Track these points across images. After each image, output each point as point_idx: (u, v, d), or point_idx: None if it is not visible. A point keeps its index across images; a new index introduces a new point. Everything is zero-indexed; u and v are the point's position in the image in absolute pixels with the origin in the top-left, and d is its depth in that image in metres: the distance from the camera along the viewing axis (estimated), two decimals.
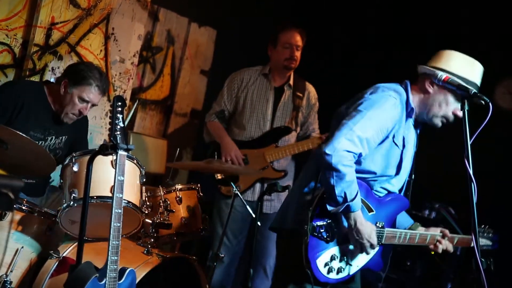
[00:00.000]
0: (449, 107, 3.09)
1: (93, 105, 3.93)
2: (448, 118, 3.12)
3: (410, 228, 3.32)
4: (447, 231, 3.31)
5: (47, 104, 3.94)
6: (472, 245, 2.80)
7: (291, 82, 4.95)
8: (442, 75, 3.02)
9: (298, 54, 4.86)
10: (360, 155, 2.97)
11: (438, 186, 5.22)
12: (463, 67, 3.07)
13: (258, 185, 4.84)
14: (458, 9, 5.42)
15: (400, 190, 3.28)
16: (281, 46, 4.84)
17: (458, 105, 3.06)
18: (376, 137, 3.01)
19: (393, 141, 3.08)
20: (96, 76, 3.84)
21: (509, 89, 5.32)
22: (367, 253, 3.05)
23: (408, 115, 3.13)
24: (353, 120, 2.96)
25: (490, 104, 2.81)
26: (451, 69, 3.07)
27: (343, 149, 2.88)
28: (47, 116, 3.94)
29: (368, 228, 2.98)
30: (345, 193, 2.88)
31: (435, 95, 3.10)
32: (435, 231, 3.32)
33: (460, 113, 3.01)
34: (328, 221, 2.95)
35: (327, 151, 2.87)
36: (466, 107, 2.86)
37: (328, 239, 2.94)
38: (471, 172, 2.79)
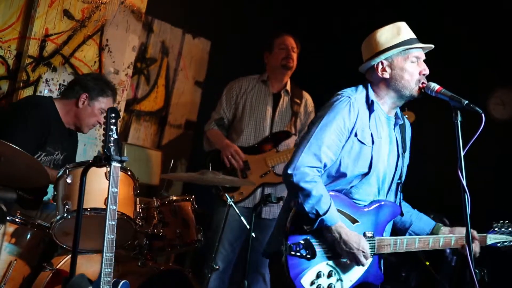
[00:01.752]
0: (411, 72, 3.03)
1: None
2: (420, 79, 3.04)
3: (432, 232, 3.24)
4: (474, 232, 3.17)
5: (59, 119, 4.04)
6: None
7: (288, 88, 5.00)
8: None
9: (294, 55, 4.94)
10: (325, 165, 2.96)
11: (432, 195, 5.22)
12: (393, 36, 3.05)
13: (259, 191, 4.85)
14: (451, 17, 5.44)
15: (387, 193, 3.17)
16: (277, 48, 4.95)
17: (416, 64, 3.03)
18: (338, 140, 2.97)
19: (358, 139, 3.02)
20: (109, 86, 4.09)
21: (501, 99, 5.33)
22: (363, 264, 2.94)
23: (370, 110, 3.06)
24: (310, 133, 2.97)
25: (483, 114, 2.81)
26: (384, 46, 3.05)
27: (304, 165, 2.89)
28: (60, 132, 4.04)
29: (354, 237, 2.91)
30: (316, 210, 2.84)
31: (392, 74, 3.05)
32: (460, 232, 3.21)
33: (426, 70, 3.03)
34: (306, 238, 2.88)
35: (289, 171, 2.89)
36: (459, 118, 2.85)
37: (308, 256, 2.85)
38: (464, 183, 2.78)
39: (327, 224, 2.86)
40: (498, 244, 3.42)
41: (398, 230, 3.30)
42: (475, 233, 3.21)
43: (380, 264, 3.12)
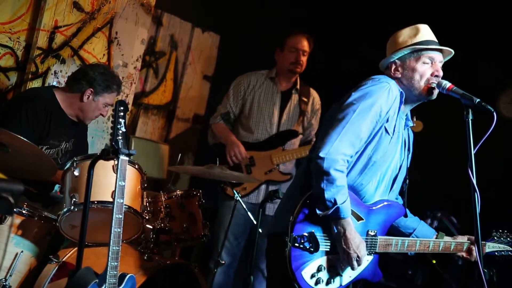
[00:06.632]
0: (421, 72, 3.02)
1: None
2: (429, 80, 3.01)
3: (436, 239, 3.26)
4: (472, 239, 3.19)
5: (61, 110, 4.00)
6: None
7: (298, 86, 4.98)
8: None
9: (304, 59, 4.91)
10: (356, 153, 2.92)
11: (440, 194, 5.20)
12: (410, 37, 3.05)
13: (263, 188, 4.85)
14: (460, 18, 5.41)
15: (389, 191, 3.15)
16: (287, 50, 4.90)
17: (429, 65, 3.02)
18: (372, 127, 2.92)
19: (385, 126, 2.96)
20: (115, 81, 4.04)
21: None
22: (352, 267, 2.89)
23: (401, 102, 3.03)
24: (346, 118, 2.86)
25: (494, 113, 2.78)
26: (400, 45, 3.05)
27: (338, 152, 2.79)
28: (62, 123, 4.00)
29: (357, 239, 2.86)
30: (334, 198, 2.79)
31: (404, 74, 3.05)
32: (463, 239, 3.27)
33: (439, 72, 3.01)
34: (310, 232, 2.84)
35: (321, 154, 2.78)
36: (470, 117, 2.82)
37: (311, 249, 2.82)
38: (474, 182, 2.76)
39: (340, 215, 2.82)
40: (496, 253, 3.40)
41: (400, 234, 3.28)
42: (473, 239, 3.15)
43: (380, 263, 3.10)
